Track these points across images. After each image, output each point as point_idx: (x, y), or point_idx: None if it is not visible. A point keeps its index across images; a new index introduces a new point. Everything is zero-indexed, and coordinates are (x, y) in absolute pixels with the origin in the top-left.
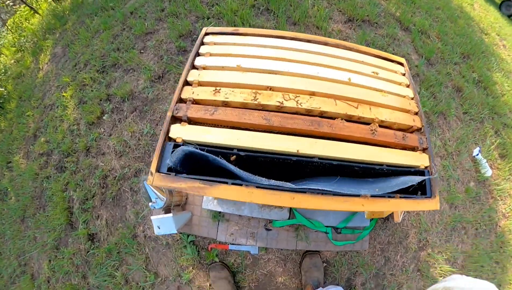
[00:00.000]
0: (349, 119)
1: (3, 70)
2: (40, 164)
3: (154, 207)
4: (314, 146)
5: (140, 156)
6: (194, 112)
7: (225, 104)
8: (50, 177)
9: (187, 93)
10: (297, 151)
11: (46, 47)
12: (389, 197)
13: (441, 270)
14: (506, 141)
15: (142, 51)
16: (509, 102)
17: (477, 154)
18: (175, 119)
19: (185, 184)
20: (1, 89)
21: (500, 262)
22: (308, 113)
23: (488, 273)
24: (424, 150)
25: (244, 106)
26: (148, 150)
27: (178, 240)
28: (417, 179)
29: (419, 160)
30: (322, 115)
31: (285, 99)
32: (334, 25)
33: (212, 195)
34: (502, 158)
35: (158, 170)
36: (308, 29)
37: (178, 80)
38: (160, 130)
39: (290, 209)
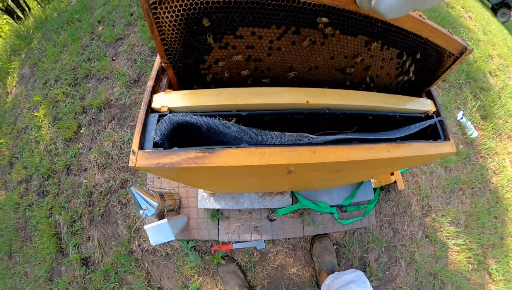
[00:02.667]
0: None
1: None
2: (20, 192)
3: (146, 215)
4: (324, 95)
5: (124, 166)
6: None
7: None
8: (32, 204)
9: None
10: (307, 102)
11: (12, 70)
12: (410, 142)
13: (447, 232)
14: (485, 103)
15: (114, 58)
16: (481, 68)
17: (461, 118)
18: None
19: (178, 157)
20: None
21: (499, 217)
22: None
23: (490, 228)
24: (428, 96)
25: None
26: None
27: (178, 248)
28: (432, 120)
29: (426, 105)
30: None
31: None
32: None
33: (215, 164)
34: (484, 119)
35: (141, 147)
36: None
37: None
38: None
39: (292, 194)
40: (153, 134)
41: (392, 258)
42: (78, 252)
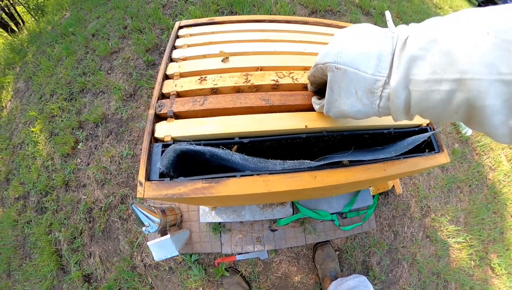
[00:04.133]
0: None
1: None
2: (18, 209)
3: (149, 232)
4: (321, 119)
5: (124, 181)
6: (181, 105)
7: (215, 91)
8: (31, 221)
9: (169, 86)
10: (306, 126)
11: (7, 84)
12: (405, 158)
13: (447, 231)
14: None
15: (109, 71)
16: None
17: None
18: (160, 118)
19: (185, 188)
20: None
21: (498, 211)
22: (305, 89)
23: (490, 224)
24: None
25: (236, 90)
26: (131, 173)
27: (181, 262)
28: (426, 134)
29: (420, 118)
30: None
31: (279, 77)
32: None
33: (221, 193)
34: None
35: (148, 178)
36: None
37: (151, 94)
38: (141, 149)
39: (293, 204)
40: (159, 165)
41: (394, 260)
42: (80, 269)
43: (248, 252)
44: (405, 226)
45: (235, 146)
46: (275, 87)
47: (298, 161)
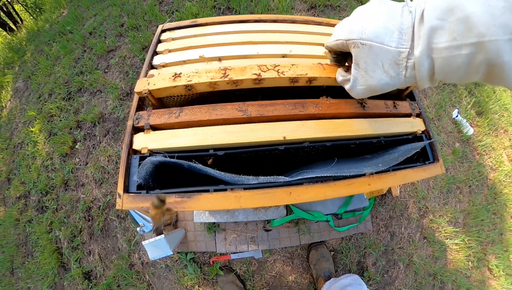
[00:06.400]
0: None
1: None
2: (19, 208)
3: (144, 231)
4: (302, 129)
5: None
6: (157, 118)
7: (189, 88)
8: (32, 220)
9: (142, 85)
10: (284, 138)
11: (6, 83)
12: (394, 170)
13: (445, 232)
14: (480, 99)
15: (106, 70)
16: None
17: (457, 116)
18: (138, 130)
19: None
20: None
21: (497, 212)
22: (293, 83)
23: (489, 225)
24: (418, 115)
25: (213, 87)
26: None
27: (177, 260)
28: (419, 144)
29: (415, 125)
30: (311, 81)
31: (262, 70)
32: (297, 14)
33: (193, 209)
34: (479, 115)
35: (126, 190)
36: None
37: None
38: None
39: (287, 205)
40: (135, 178)
41: (390, 261)
42: (80, 267)
43: (243, 252)
44: (402, 227)
45: (211, 159)
46: (258, 82)
47: (273, 177)
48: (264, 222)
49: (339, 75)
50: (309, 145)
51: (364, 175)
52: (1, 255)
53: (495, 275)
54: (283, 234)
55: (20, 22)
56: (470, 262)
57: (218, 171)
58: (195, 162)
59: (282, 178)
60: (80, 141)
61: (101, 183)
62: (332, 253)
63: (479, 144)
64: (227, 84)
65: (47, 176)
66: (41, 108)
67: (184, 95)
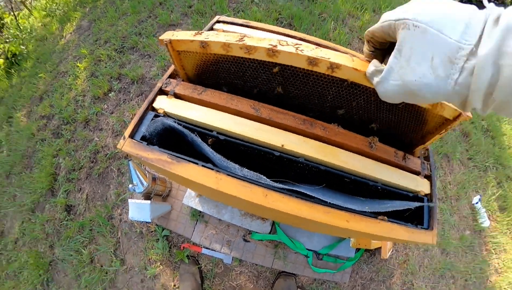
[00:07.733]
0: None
1: (28, 30)
2: (39, 125)
3: (134, 190)
4: (303, 145)
5: None
6: (183, 89)
7: (203, 45)
8: (45, 140)
9: (167, 34)
10: (282, 145)
11: (73, 18)
12: (381, 219)
13: None
14: (507, 194)
15: None
16: None
17: (477, 203)
18: (163, 92)
19: (153, 155)
20: (22, 47)
21: None
22: (311, 66)
23: None
24: (426, 177)
25: (226, 49)
26: None
27: (152, 231)
28: (415, 203)
29: (420, 185)
30: (333, 69)
31: (280, 44)
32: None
33: (176, 172)
34: (502, 210)
35: (131, 136)
36: None
37: None
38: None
39: (273, 224)
40: (143, 129)
41: None
42: (66, 198)
43: (215, 250)
44: None
45: (211, 139)
46: (272, 54)
47: (256, 174)
48: (245, 231)
49: (372, 65)
50: (304, 162)
51: (345, 208)
52: (5, 157)
53: None
54: (259, 250)
55: None
56: None
57: (212, 150)
58: (196, 135)
59: (264, 179)
60: (115, 91)
61: (117, 135)
62: (298, 289)
63: (492, 240)
64: (240, 48)
65: (74, 109)
66: (94, 50)
67: (201, 61)
